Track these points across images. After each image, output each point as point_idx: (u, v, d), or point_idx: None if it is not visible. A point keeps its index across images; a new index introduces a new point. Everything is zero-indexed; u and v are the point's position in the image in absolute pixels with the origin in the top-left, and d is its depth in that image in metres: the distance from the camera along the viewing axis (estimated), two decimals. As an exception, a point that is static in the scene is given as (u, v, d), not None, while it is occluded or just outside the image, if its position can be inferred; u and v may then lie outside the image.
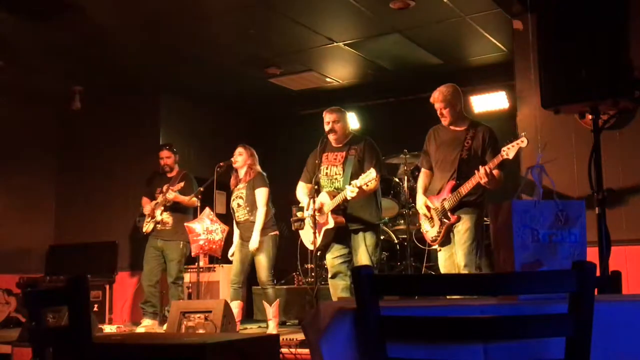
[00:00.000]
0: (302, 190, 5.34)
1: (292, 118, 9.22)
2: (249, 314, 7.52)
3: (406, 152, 7.14)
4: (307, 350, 4.30)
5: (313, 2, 5.97)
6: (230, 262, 6.32)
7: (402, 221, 7.22)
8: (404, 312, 1.73)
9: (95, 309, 7.34)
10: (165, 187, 6.98)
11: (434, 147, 4.82)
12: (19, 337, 5.38)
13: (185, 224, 6.46)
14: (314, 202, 4.94)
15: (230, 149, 6.39)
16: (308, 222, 5.10)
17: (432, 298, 2.45)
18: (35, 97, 8.49)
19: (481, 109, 7.54)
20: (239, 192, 6.16)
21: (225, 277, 7.16)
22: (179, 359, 2.94)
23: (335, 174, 5.10)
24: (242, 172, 6.23)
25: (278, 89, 8.37)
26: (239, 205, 6.12)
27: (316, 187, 5.04)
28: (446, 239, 4.64)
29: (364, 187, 4.76)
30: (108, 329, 6.80)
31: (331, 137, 5.19)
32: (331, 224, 4.95)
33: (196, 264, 6.84)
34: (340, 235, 5.05)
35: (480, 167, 4.37)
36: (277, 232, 6.09)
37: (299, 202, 5.36)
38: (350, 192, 4.76)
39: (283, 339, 4.54)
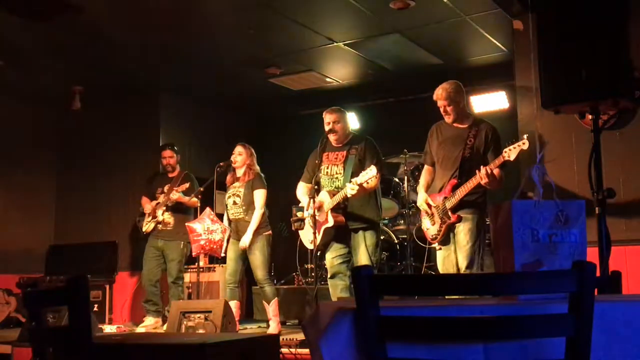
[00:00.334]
0: (302, 190, 5.34)
1: (292, 118, 9.22)
2: (249, 314, 7.52)
3: (406, 152, 7.14)
4: (307, 350, 4.30)
5: (313, 2, 5.97)
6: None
7: (402, 221, 7.22)
8: (404, 312, 1.73)
9: (95, 309, 7.34)
10: (167, 187, 6.99)
11: (436, 143, 4.79)
12: (19, 337, 5.38)
13: (186, 223, 6.46)
14: (313, 202, 4.94)
15: (230, 149, 6.39)
16: (308, 222, 5.10)
17: (432, 298, 2.45)
18: (35, 97, 8.49)
19: (481, 109, 7.54)
20: (236, 190, 6.16)
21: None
22: (179, 359, 2.94)
23: (336, 173, 5.10)
24: (240, 171, 6.24)
25: (278, 89, 8.37)
26: (234, 203, 6.13)
27: (316, 187, 5.04)
28: (446, 238, 4.62)
29: (365, 185, 4.76)
30: (108, 329, 6.80)
31: (332, 137, 5.20)
32: (330, 223, 4.95)
33: (196, 264, 6.84)
34: (340, 235, 5.05)
35: (481, 167, 4.36)
36: (270, 232, 6.13)
37: (299, 202, 5.36)
38: (350, 189, 4.76)
39: (283, 339, 4.54)
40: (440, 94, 4.68)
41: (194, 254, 6.54)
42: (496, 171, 4.39)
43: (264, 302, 6.11)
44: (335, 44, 6.94)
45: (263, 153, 6.66)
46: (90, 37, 6.61)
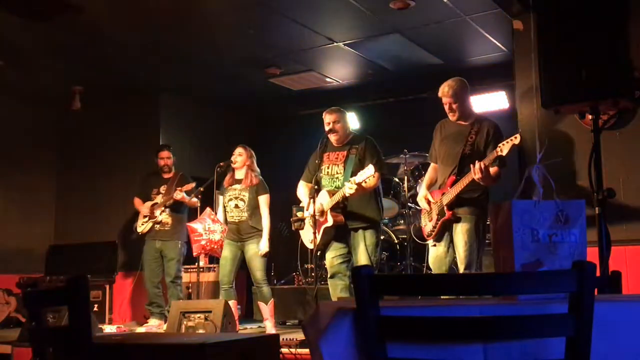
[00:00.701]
0: (302, 190, 5.34)
1: (292, 118, 9.22)
2: (248, 314, 7.53)
3: (406, 152, 7.15)
4: (307, 350, 4.30)
5: (313, 2, 5.97)
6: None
7: (402, 221, 7.22)
8: (404, 312, 1.73)
9: (95, 309, 7.34)
10: (163, 188, 7.00)
11: (439, 140, 4.77)
12: (19, 337, 5.38)
13: (187, 224, 6.47)
14: (314, 202, 4.94)
15: (230, 149, 6.40)
16: (308, 222, 5.10)
17: (432, 298, 2.45)
18: (35, 97, 8.49)
19: (481, 109, 7.53)
20: (237, 192, 6.16)
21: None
22: (178, 359, 2.94)
23: (337, 173, 5.10)
24: (240, 173, 6.24)
25: (278, 89, 8.37)
26: (236, 206, 6.13)
27: (316, 187, 5.04)
28: (441, 235, 4.57)
29: (363, 184, 4.75)
30: (108, 329, 6.80)
31: (332, 137, 5.19)
32: (330, 222, 4.95)
33: (196, 264, 6.84)
34: (340, 234, 5.05)
35: (476, 162, 4.30)
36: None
37: (299, 202, 5.36)
38: (348, 188, 4.76)
39: (283, 339, 4.54)
40: (446, 91, 4.63)
41: (194, 253, 6.54)
42: (492, 169, 4.34)
43: (259, 302, 6.13)
44: (335, 44, 6.94)
45: (263, 153, 6.66)
46: (90, 37, 6.61)
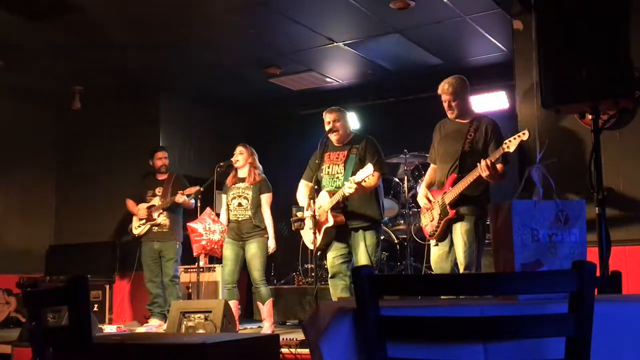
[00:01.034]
0: (302, 189, 5.33)
1: (292, 118, 9.22)
2: (248, 314, 7.52)
3: (406, 152, 7.15)
4: (307, 350, 4.30)
5: (313, 2, 5.97)
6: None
7: (402, 221, 7.22)
8: (404, 312, 1.73)
9: (95, 309, 7.34)
10: (159, 190, 7.01)
11: (438, 139, 4.76)
12: (19, 337, 5.38)
13: (187, 224, 6.47)
14: (314, 202, 4.93)
15: (230, 149, 6.40)
16: (308, 222, 5.10)
17: (432, 298, 2.45)
18: (35, 97, 8.49)
19: (481, 109, 7.53)
20: (242, 191, 6.17)
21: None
22: (178, 359, 2.94)
23: (337, 172, 5.09)
24: (243, 171, 6.24)
25: (278, 89, 8.37)
26: (240, 205, 6.13)
27: (316, 186, 5.04)
28: (444, 235, 4.55)
29: (363, 183, 4.75)
30: (108, 329, 6.80)
31: (333, 136, 5.19)
32: (330, 223, 4.95)
33: (196, 264, 6.85)
34: (341, 234, 5.05)
35: (482, 160, 4.30)
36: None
37: (299, 202, 5.36)
38: (348, 188, 4.75)
39: (283, 339, 4.54)
40: (446, 88, 4.62)
41: (195, 253, 6.54)
42: (499, 165, 4.33)
43: (258, 302, 6.14)
44: (335, 44, 6.94)
45: (263, 153, 6.66)
46: (90, 37, 6.61)
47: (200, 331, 4.97)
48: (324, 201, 5.01)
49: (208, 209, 6.38)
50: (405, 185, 7.05)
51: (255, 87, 8.31)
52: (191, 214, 6.87)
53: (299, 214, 5.22)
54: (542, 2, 3.53)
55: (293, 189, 5.48)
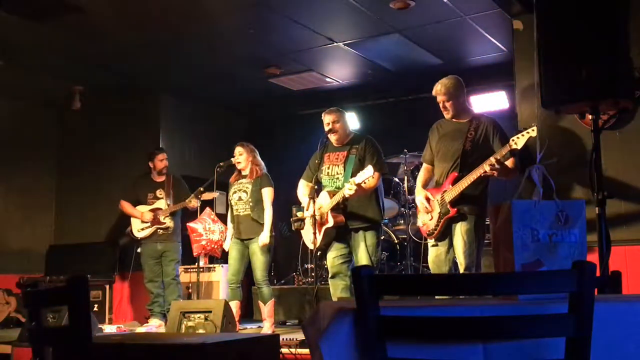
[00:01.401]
0: (302, 189, 5.33)
1: (292, 118, 9.22)
2: (248, 314, 7.53)
3: (406, 152, 7.15)
4: (307, 350, 4.30)
5: (313, 2, 5.97)
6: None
7: (402, 221, 7.23)
8: (404, 312, 1.73)
9: (95, 309, 7.34)
10: (160, 192, 6.96)
11: (436, 139, 4.74)
12: (19, 337, 5.38)
13: (187, 224, 6.47)
14: (314, 202, 4.93)
15: (230, 149, 6.40)
16: (308, 222, 5.10)
17: (432, 298, 2.44)
18: (35, 97, 8.49)
19: (481, 109, 7.53)
20: (242, 185, 6.15)
21: (225, 277, 7.17)
22: (178, 359, 2.94)
23: (337, 173, 5.09)
24: (246, 171, 6.22)
25: (278, 89, 8.37)
26: (240, 199, 6.11)
27: (316, 187, 5.04)
28: (443, 234, 4.53)
29: (363, 185, 4.75)
30: (108, 329, 6.80)
31: (332, 137, 5.19)
32: (330, 223, 4.95)
33: (196, 264, 6.84)
34: (341, 234, 5.05)
35: (491, 158, 4.26)
36: (273, 233, 6.13)
37: (299, 202, 5.36)
38: (348, 189, 4.75)
39: (283, 339, 4.54)
40: (439, 89, 4.64)
41: (194, 254, 6.54)
42: (509, 161, 4.30)
43: (259, 302, 6.13)
44: (335, 44, 6.94)
45: (263, 153, 6.65)
46: (90, 37, 6.61)
47: (200, 331, 4.97)
48: (324, 201, 5.01)
49: (208, 209, 6.38)
50: (405, 185, 7.06)
51: (255, 87, 8.31)
52: (191, 214, 6.88)
53: (299, 214, 5.22)
54: (543, 2, 3.52)
55: (293, 189, 5.48)
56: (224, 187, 6.52)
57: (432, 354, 1.66)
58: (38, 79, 7.82)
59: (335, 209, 4.95)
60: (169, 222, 6.87)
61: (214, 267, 7.50)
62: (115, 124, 8.65)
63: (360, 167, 4.95)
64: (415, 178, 7.13)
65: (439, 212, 4.52)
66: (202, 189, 6.55)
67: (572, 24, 3.37)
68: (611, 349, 1.72)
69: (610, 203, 3.37)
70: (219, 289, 7.38)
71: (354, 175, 4.86)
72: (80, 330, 2.00)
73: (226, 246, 6.24)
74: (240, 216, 6.10)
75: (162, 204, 6.94)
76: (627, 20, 3.36)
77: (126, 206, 7.04)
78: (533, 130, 4.19)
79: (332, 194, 4.99)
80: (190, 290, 6.99)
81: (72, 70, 7.59)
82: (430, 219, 4.59)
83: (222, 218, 6.70)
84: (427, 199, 4.62)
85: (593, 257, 2.35)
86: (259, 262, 5.99)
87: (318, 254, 5.09)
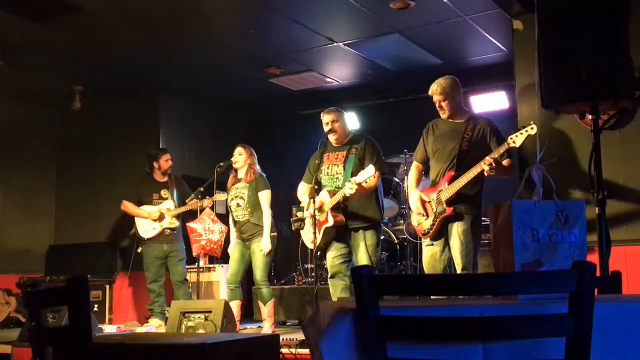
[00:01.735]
0: (303, 191, 5.34)
1: (292, 118, 9.22)
2: (248, 314, 7.53)
3: (406, 152, 7.15)
4: (307, 350, 4.30)
5: (313, 2, 5.97)
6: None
7: (402, 221, 7.22)
8: (404, 312, 1.73)
9: (95, 309, 7.34)
10: (164, 192, 6.94)
11: (432, 139, 4.75)
12: (19, 337, 5.38)
13: (187, 224, 6.46)
14: (313, 202, 4.94)
15: (230, 149, 6.39)
16: (308, 222, 5.10)
17: (428, 298, 2.44)
18: (35, 97, 8.49)
19: (481, 109, 7.54)
20: (239, 191, 6.16)
21: (226, 277, 7.17)
22: (178, 359, 2.94)
23: (337, 173, 5.10)
24: (242, 172, 6.24)
25: (278, 89, 8.37)
26: (238, 205, 6.12)
27: (316, 187, 5.04)
28: (439, 233, 4.53)
29: (363, 184, 4.75)
30: (108, 329, 6.80)
31: (332, 137, 5.19)
32: (330, 223, 4.95)
33: (196, 264, 6.84)
34: (341, 234, 5.05)
35: (487, 157, 4.28)
36: (275, 234, 6.14)
37: (299, 202, 5.36)
38: (349, 188, 4.76)
39: (283, 339, 4.54)
40: (435, 89, 4.66)
41: (194, 254, 6.54)
42: (505, 161, 4.34)
43: (259, 302, 6.13)
44: (335, 44, 6.94)
45: (263, 153, 6.66)
46: (90, 37, 6.61)
47: (200, 331, 4.97)
48: (325, 200, 5.02)
49: (207, 209, 6.38)
50: (406, 185, 7.05)
51: (255, 87, 8.30)
52: (190, 214, 6.87)
53: (299, 214, 5.22)
54: (544, 1, 3.52)
55: (293, 189, 5.48)
56: (224, 187, 6.53)
57: (432, 354, 1.66)
58: (38, 79, 7.82)
59: (335, 209, 4.95)
60: (175, 222, 6.86)
61: (214, 267, 7.50)
62: (115, 124, 8.65)
63: (359, 166, 4.95)
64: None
65: (435, 211, 4.52)
66: (202, 189, 6.54)
67: (572, 24, 3.37)
68: (611, 349, 1.72)
69: (610, 203, 3.37)
70: (219, 289, 7.38)
71: (353, 175, 4.86)
72: (80, 330, 2.00)
73: (230, 249, 6.24)
74: (240, 222, 6.12)
75: (169, 204, 6.92)
76: (627, 20, 3.36)
77: (130, 206, 6.99)
78: (532, 128, 4.19)
79: (332, 193, 5.00)
80: (190, 290, 6.99)
81: (72, 70, 7.59)
82: (426, 219, 4.59)
83: (222, 218, 6.70)
84: (422, 201, 4.62)
85: (593, 257, 2.35)
86: (259, 263, 5.99)
87: (318, 253, 5.09)
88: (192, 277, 7.09)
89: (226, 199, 6.31)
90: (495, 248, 2.09)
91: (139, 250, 7.01)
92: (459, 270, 4.42)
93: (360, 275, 1.63)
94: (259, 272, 6.01)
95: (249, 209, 6.06)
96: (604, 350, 1.68)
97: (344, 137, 5.21)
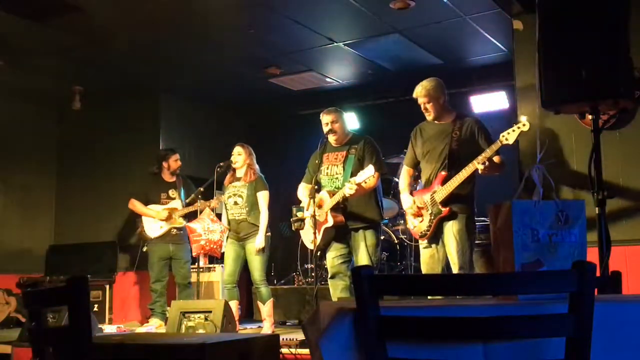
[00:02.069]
0: (303, 191, 5.34)
1: (292, 118, 9.22)
2: (249, 314, 7.53)
3: (406, 152, 7.13)
4: (307, 350, 4.30)
5: (313, 2, 5.97)
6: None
7: (402, 221, 7.22)
8: (404, 312, 1.73)
9: (95, 309, 7.33)
10: (172, 192, 6.93)
11: (420, 142, 4.77)
12: (19, 337, 5.38)
13: (187, 224, 6.45)
14: (313, 202, 4.94)
15: (230, 149, 6.40)
16: (308, 222, 5.10)
17: (425, 298, 2.44)
18: (35, 97, 8.49)
19: (481, 109, 7.54)
20: (237, 190, 6.16)
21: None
22: (178, 359, 2.94)
23: (336, 173, 5.10)
24: (241, 171, 6.24)
25: (278, 89, 8.37)
26: (235, 203, 6.12)
27: (316, 187, 5.04)
28: (436, 234, 4.54)
29: (363, 184, 4.75)
30: (108, 329, 6.79)
31: (331, 137, 5.19)
32: (330, 223, 4.95)
33: (196, 264, 6.84)
34: (341, 234, 5.05)
35: (479, 156, 4.30)
36: (269, 234, 6.15)
37: (299, 202, 5.36)
38: (348, 189, 4.76)
39: (283, 339, 4.54)
40: (419, 91, 4.70)
41: (194, 254, 6.54)
42: (496, 157, 4.37)
43: (258, 302, 6.14)
44: (335, 44, 6.94)
45: (263, 153, 6.65)
46: (90, 37, 6.61)
47: (200, 331, 4.97)
48: (325, 199, 5.02)
49: (207, 209, 6.37)
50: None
51: (255, 87, 8.31)
52: (190, 214, 6.87)
53: (299, 214, 5.22)
54: (544, 2, 3.52)
55: (293, 189, 5.48)
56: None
57: (432, 354, 1.66)
58: (38, 79, 7.82)
59: (335, 209, 4.95)
60: (183, 222, 6.86)
61: (214, 267, 7.50)
62: (115, 124, 8.65)
63: (359, 167, 4.96)
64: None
65: (430, 212, 4.53)
66: (202, 189, 6.54)
67: (572, 24, 3.37)
68: (611, 349, 1.72)
69: (610, 203, 3.37)
70: (219, 289, 7.38)
71: (353, 175, 4.86)
72: (80, 330, 2.00)
73: (223, 247, 6.25)
74: (236, 220, 6.11)
75: (176, 203, 6.91)
76: (627, 20, 3.36)
77: (137, 205, 6.98)
78: (524, 124, 4.21)
79: (331, 193, 5.00)
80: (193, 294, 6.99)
81: (72, 70, 7.59)
82: (421, 221, 4.59)
83: (220, 218, 6.69)
84: (417, 204, 4.62)
85: (593, 257, 2.34)
86: (256, 262, 6.00)
87: (318, 254, 5.09)
88: (192, 277, 7.09)
89: (224, 197, 6.30)
90: (495, 248, 2.09)
91: (145, 249, 7.01)
92: (455, 270, 4.43)
93: (360, 276, 1.63)
94: (256, 273, 6.02)
95: (246, 208, 6.07)
96: (604, 350, 1.67)
97: (344, 138, 5.22)
